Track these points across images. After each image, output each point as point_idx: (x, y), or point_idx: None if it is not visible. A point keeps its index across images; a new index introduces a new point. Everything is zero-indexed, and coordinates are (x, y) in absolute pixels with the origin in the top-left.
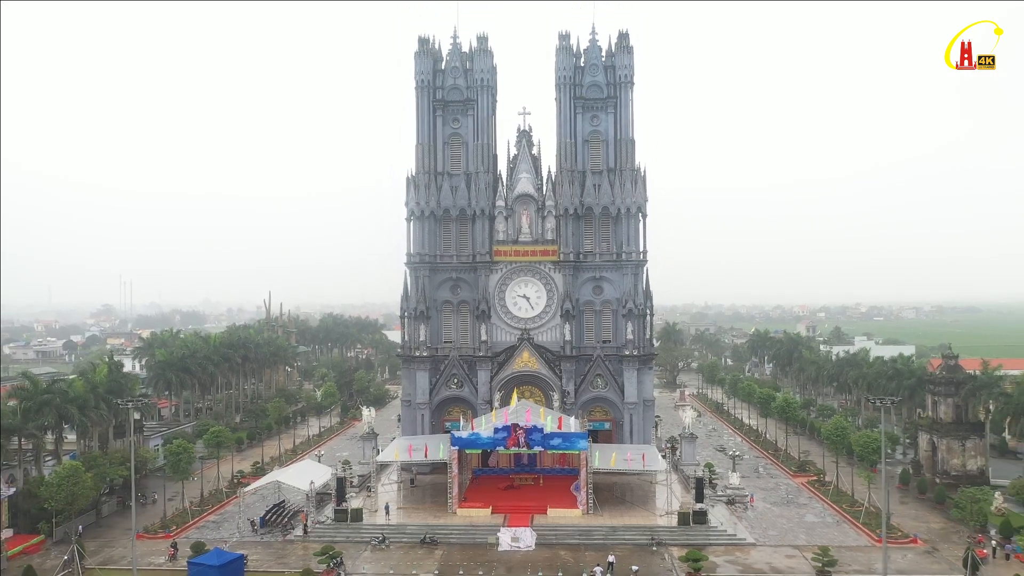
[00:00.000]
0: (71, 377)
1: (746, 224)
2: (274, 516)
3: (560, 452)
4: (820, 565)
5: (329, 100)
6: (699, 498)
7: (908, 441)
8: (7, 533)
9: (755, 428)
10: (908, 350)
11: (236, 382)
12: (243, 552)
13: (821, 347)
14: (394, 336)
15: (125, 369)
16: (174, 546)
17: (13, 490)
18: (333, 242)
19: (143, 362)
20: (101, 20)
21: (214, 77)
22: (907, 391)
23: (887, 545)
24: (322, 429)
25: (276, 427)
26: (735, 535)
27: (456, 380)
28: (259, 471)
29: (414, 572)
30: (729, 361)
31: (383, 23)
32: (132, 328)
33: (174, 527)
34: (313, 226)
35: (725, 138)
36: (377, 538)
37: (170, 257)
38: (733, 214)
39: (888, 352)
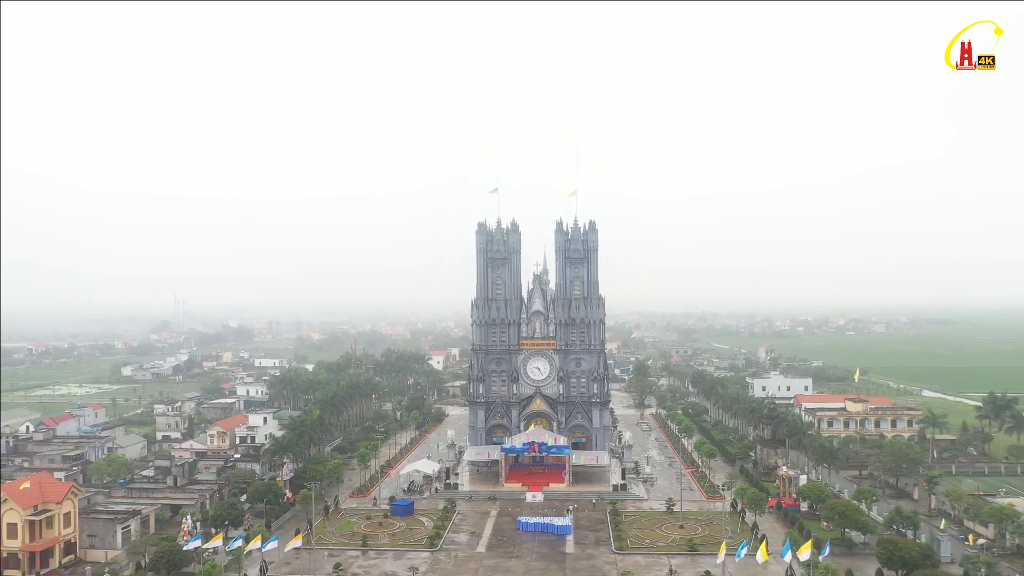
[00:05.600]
0: (300, 414)
1: (751, 229)
2: (411, 486)
3: (555, 455)
4: (668, 506)
5: (327, 102)
6: (623, 478)
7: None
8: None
9: (680, 439)
10: (807, 382)
11: (349, 406)
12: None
13: (747, 379)
14: (436, 364)
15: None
16: (375, 499)
17: (291, 473)
18: (333, 246)
19: (273, 390)
20: (140, 25)
21: (210, 77)
22: (758, 419)
23: (683, 493)
24: (410, 440)
25: (386, 437)
26: (640, 496)
27: (499, 415)
28: (389, 465)
29: (488, 511)
30: (690, 387)
31: (402, 29)
32: (195, 345)
33: (365, 492)
34: (312, 230)
35: (731, 142)
36: (468, 496)
37: (177, 262)
38: (740, 218)
39: (794, 384)
